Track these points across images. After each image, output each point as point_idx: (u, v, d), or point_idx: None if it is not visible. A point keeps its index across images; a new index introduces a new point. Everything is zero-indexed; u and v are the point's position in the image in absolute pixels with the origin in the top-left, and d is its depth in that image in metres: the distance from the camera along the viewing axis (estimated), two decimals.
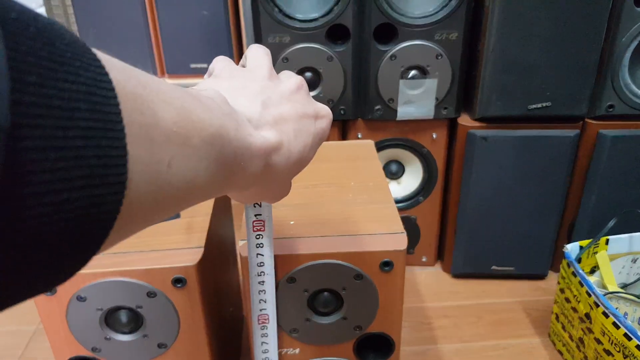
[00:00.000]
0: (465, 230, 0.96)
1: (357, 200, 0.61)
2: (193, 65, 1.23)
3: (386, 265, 0.53)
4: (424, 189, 0.99)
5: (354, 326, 0.57)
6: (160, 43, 1.23)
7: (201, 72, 1.24)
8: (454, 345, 0.86)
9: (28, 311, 0.92)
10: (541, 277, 1.01)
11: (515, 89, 0.84)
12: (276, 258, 0.53)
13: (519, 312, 0.93)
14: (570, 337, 0.79)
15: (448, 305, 0.95)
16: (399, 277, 0.54)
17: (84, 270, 0.55)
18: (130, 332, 0.56)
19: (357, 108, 0.91)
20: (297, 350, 0.59)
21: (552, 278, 1.01)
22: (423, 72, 0.85)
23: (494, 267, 0.99)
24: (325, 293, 0.55)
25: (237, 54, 1.25)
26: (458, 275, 1.02)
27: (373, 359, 0.60)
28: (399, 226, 0.56)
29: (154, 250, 0.54)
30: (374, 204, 0.60)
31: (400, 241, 0.54)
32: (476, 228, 0.95)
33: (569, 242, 0.81)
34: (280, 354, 0.59)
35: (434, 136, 0.93)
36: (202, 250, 0.54)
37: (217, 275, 0.65)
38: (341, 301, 0.56)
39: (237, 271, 0.89)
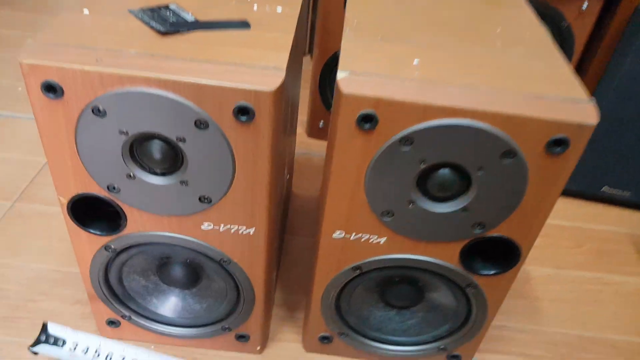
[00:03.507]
0: None
1: (510, 51, 0.41)
2: None
3: (557, 144, 0.35)
4: None
5: (474, 222, 0.40)
6: None
7: None
8: (546, 269, 0.70)
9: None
10: None
11: None
12: (390, 105, 0.35)
13: (627, 246, 0.75)
14: None
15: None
16: (568, 166, 0.36)
17: (109, 69, 0.38)
18: (163, 174, 0.41)
19: None
20: (382, 240, 0.43)
21: None
22: None
23: (605, 188, 0.80)
24: (448, 170, 0.38)
25: None
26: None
27: (480, 270, 0.44)
28: (581, 92, 0.36)
29: (213, 62, 0.37)
30: (536, 59, 0.41)
31: (586, 113, 0.35)
32: (599, 137, 0.75)
33: None
34: (359, 240, 0.43)
35: (584, 7, 0.69)
36: (282, 74, 0.36)
37: (287, 120, 0.48)
38: (468, 185, 0.39)
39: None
